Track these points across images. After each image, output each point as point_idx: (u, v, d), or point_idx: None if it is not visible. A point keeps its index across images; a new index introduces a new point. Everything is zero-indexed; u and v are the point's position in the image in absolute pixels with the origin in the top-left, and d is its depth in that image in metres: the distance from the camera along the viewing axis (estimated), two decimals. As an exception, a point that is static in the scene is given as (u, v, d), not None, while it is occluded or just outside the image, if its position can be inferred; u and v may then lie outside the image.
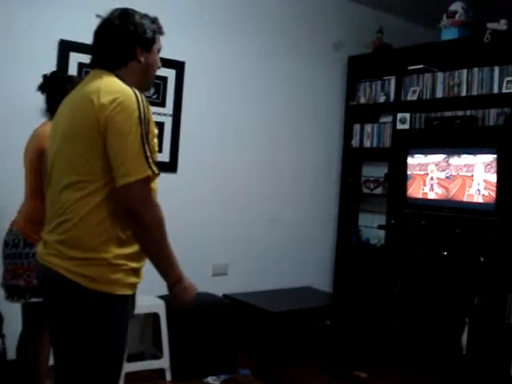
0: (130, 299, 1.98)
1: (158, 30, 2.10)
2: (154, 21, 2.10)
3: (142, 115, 1.83)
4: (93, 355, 1.90)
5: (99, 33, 2.03)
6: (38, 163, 2.89)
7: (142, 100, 1.86)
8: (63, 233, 1.90)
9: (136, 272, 1.97)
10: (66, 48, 3.90)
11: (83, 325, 1.88)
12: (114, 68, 1.99)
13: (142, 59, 2.02)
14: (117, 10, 2.05)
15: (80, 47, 3.91)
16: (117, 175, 1.82)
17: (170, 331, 3.98)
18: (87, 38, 3.81)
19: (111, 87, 1.88)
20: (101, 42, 2.02)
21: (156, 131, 1.95)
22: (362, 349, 4.78)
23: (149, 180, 1.85)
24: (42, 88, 3.04)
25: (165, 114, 4.35)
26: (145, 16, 2.07)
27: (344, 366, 4.47)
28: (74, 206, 1.88)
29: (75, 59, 3.92)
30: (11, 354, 3.30)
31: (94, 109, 1.83)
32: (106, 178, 1.86)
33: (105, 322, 1.90)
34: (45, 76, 3.05)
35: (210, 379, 4.01)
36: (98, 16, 2.07)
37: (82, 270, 1.86)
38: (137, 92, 1.88)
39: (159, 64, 2.14)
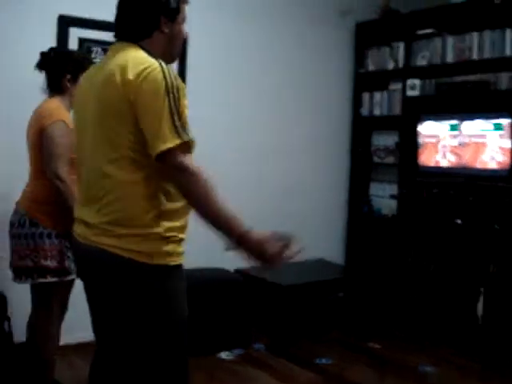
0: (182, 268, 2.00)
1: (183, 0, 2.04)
2: None
3: (170, 85, 1.80)
4: (160, 329, 1.92)
5: (121, 3, 2.00)
6: (40, 142, 2.84)
7: (169, 71, 1.83)
8: (110, 213, 1.89)
9: (183, 242, 1.98)
10: (65, 23, 3.83)
11: (146, 300, 1.89)
12: (137, 39, 1.95)
13: (167, 30, 1.98)
14: None
15: (80, 22, 3.86)
16: (149, 147, 1.81)
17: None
18: (87, 13, 3.84)
19: (137, 60, 1.84)
20: (123, 12, 1.99)
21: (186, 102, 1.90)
22: (375, 320, 4.74)
23: (181, 148, 1.80)
24: (40, 66, 2.98)
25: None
26: None
27: (358, 338, 4.44)
28: (117, 184, 1.87)
29: (75, 34, 3.85)
30: (18, 336, 3.29)
31: (123, 84, 1.81)
32: (144, 152, 1.84)
33: (167, 294, 1.92)
34: (42, 53, 2.98)
35: (223, 354, 3.99)
36: None
37: (136, 246, 1.86)
38: (163, 63, 1.84)
39: (185, 34, 2.09)
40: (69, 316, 3.12)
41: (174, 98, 1.80)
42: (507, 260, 4.14)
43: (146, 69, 1.81)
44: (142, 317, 1.91)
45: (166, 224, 1.89)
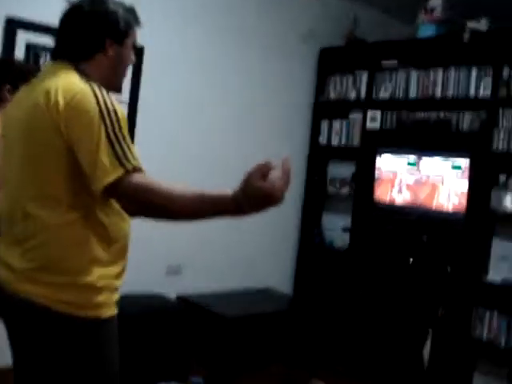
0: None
1: (135, 22, 1.85)
2: (131, 10, 1.85)
3: (105, 110, 1.60)
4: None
5: (65, 19, 1.79)
6: None
7: (103, 94, 1.63)
8: (35, 259, 1.68)
9: (118, 289, 1.80)
10: (12, 26, 3.56)
11: (74, 355, 1.70)
12: (77, 60, 1.76)
13: (111, 53, 1.79)
14: None
15: (29, 26, 3.59)
16: (92, 184, 1.60)
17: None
18: (37, 16, 3.59)
19: (66, 87, 1.64)
20: (66, 29, 1.79)
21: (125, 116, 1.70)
22: (321, 356, 4.57)
23: (128, 176, 1.58)
24: None
25: (120, 102, 4.03)
26: (120, 4, 1.82)
27: (303, 374, 4.27)
28: (42, 227, 1.67)
29: (23, 39, 3.59)
30: None
31: (51, 113, 1.62)
32: (75, 191, 1.66)
33: (97, 348, 1.74)
34: None
35: (158, 388, 3.78)
36: (67, 0, 1.79)
37: (64, 296, 1.67)
38: (95, 87, 1.64)
39: (132, 60, 1.89)
40: None
41: (111, 122, 1.61)
42: (457, 304, 4.05)
43: (75, 96, 1.62)
44: (69, 373, 1.72)
45: (99, 271, 1.70)
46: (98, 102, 1.61)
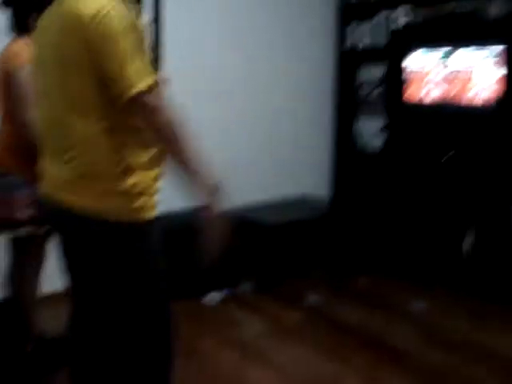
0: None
1: None
2: None
3: (129, 24, 1.70)
4: (136, 286, 1.88)
5: None
6: (7, 87, 2.64)
7: (126, 9, 1.72)
8: (77, 168, 1.79)
9: (157, 192, 1.90)
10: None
11: (120, 259, 1.84)
12: None
13: None
14: None
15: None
16: (120, 89, 1.69)
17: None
18: None
19: (91, 0, 1.70)
20: None
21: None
22: (362, 257, 4.67)
23: (153, 87, 1.72)
24: (5, 2, 2.73)
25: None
26: None
27: (346, 276, 4.38)
28: (81, 136, 1.77)
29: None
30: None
31: (78, 29, 1.69)
32: (106, 102, 1.74)
33: (141, 251, 1.87)
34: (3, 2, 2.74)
35: (210, 296, 3.91)
36: None
37: (107, 203, 1.78)
38: (121, 2, 1.73)
39: None
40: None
41: (135, 36, 1.70)
42: (496, 198, 4.06)
43: (101, 10, 1.67)
44: (118, 275, 1.86)
45: (135, 177, 1.80)
46: (125, 16, 1.69)
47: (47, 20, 1.88)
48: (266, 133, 4.80)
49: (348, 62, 5.14)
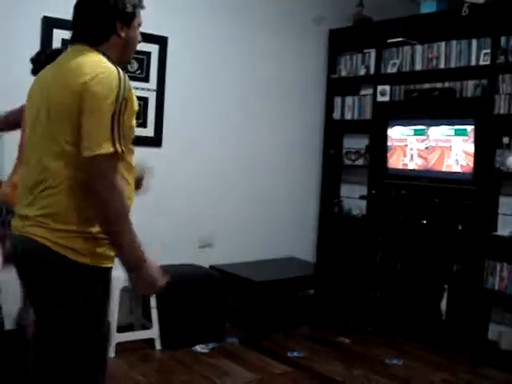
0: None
1: (139, 4, 2.07)
2: None
3: (121, 94, 1.83)
4: (80, 327, 1.91)
5: (78, 7, 2.02)
6: None
7: (125, 79, 1.86)
8: (47, 207, 1.89)
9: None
10: (49, 24, 3.91)
11: (70, 298, 1.89)
12: (95, 43, 1.98)
13: (123, 34, 2.00)
14: None
15: (64, 24, 3.89)
16: (82, 146, 1.81)
17: (158, 302, 4.08)
18: (71, 15, 3.92)
19: (96, 64, 1.88)
20: (80, 16, 2.01)
21: (136, 108, 1.94)
22: (345, 316, 4.93)
23: (112, 158, 1.82)
24: (34, 72, 3.06)
25: (148, 89, 4.40)
26: None
27: (328, 333, 4.61)
28: (56, 178, 1.87)
29: (59, 36, 3.93)
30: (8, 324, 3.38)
31: (78, 84, 1.83)
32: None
33: (93, 295, 1.93)
34: (33, 60, 3.07)
35: (198, 347, 4.13)
36: None
37: (70, 243, 1.86)
38: (120, 71, 1.88)
39: (140, 39, 2.12)
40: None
41: (120, 108, 1.82)
42: (470, 258, 4.36)
43: (103, 72, 1.84)
44: (64, 315, 1.91)
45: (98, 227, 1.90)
46: (119, 85, 1.83)
47: (48, 74, 2.04)
48: (259, 200, 5.13)
49: (334, 131, 5.53)
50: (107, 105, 1.80)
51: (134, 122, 1.96)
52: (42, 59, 3.05)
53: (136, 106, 1.94)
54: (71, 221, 1.87)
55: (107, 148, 1.79)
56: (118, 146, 1.81)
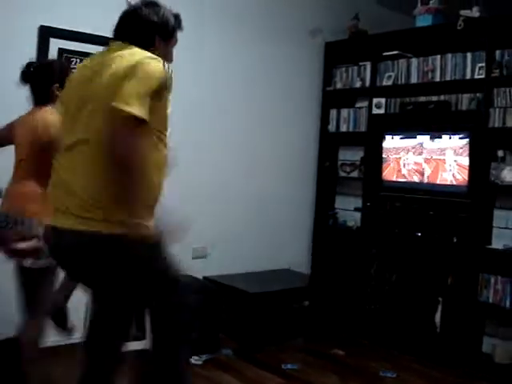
0: None
1: (178, 26, 2.35)
2: (176, 17, 2.36)
3: (163, 80, 2.04)
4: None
5: (125, 18, 2.26)
6: (34, 153, 2.92)
7: (168, 70, 2.10)
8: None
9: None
10: (46, 34, 3.92)
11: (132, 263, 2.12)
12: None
13: (159, 47, 2.26)
14: (145, 0, 2.29)
15: (60, 33, 3.95)
16: (118, 100, 1.95)
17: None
18: (67, 24, 3.94)
19: (145, 53, 2.11)
20: (125, 27, 2.24)
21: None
22: (339, 328, 4.92)
23: (133, 120, 1.95)
24: (23, 80, 3.06)
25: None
26: (169, 10, 2.33)
27: (322, 345, 4.60)
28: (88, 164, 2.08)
29: (56, 45, 3.94)
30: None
31: (131, 64, 2.03)
32: None
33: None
34: (22, 71, 3.07)
35: (192, 359, 4.10)
36: (127, 1, 2.33)
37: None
38: (165, 63, 2.11)
39: (172, 57, 2.36)
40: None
41: (159, 91, 2.03)
42: (464, 271, 4.37)
43: (153, 58, 2.08)
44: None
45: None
46: (164, 72, 2.06)
47: (91, 64, 2.23)
48: (254, 212, 5.14)
49: (330, 143, 5.54)
50: (150, 80, 2.00)
51: (168, 112, 2.15)
52: (32, 70, 3.05)
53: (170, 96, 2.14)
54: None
55: (132, 107, 1.94)
56: (141, 111, 1.96)
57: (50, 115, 2.96)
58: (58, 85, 3.01)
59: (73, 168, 2.12)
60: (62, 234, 2.13)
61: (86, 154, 2.08)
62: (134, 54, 2.08)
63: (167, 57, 2.29)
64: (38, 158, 2.92)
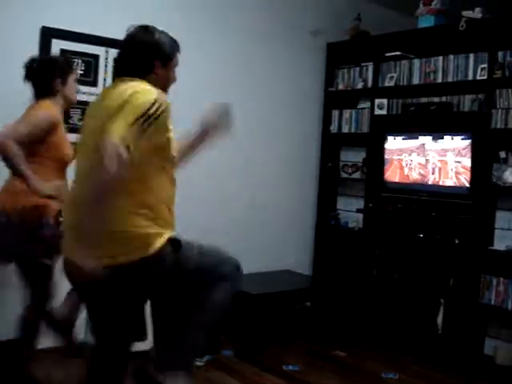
0: None
1: (177, 49, 2.42)
2: (173, 40, 2.41)
3: (153, 111, 2.10)
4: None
5: (124, 45, 2.34)
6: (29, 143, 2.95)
7: (163, 101, 2.15)
8: None
9: None
10: (48, 34, 3.91)
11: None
12: (139, 76, 2.28)
13: (159, 72, 2.32)
14: (140, 26, 2.36)
15: (62, 34, 3.94)
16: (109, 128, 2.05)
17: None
18: (69, 25, 3.94)
19: (140, 84, 2.21)
20: (125, 54, 2.33)
21: (170, 127, 2.25)
22: (340, 329, 4.90)
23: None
24: (27, 77, 3.09)
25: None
26: (165, 34, 2.39)
27: (324, 346, 4.59)
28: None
29: (57, 46, 3.94)
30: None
31: (127, 95, 2.12)
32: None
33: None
34: (26, 66, 3.10)
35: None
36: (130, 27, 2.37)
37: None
38: (161, 94, 2.20)
39: (175, 78, 2.44)
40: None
41: (146, 120, 2.10)
42: (466, 273, 4.36)
43: (145, 89, 2.19)
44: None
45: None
46: (154, 101, 2.12)
47: (94, 109, 2.34)
48: (256, 213, 5.13)
49: (332, 144, 5.54)
50: (138, 109, 2.08)
51: (169, 136, 2.25)
52: (35, 66, 3.08)
53: (170, 126, 2.24)
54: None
55: (116, 137, 2.01)
56: (123, 141, 2.01)
57: (47, 108, 2.99)
58: (60, 80, 3.05)
59: None
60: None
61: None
62: (126, 90, 2.16)
63: (169, 80, 2.40)
64: (29, 149, 2.93)
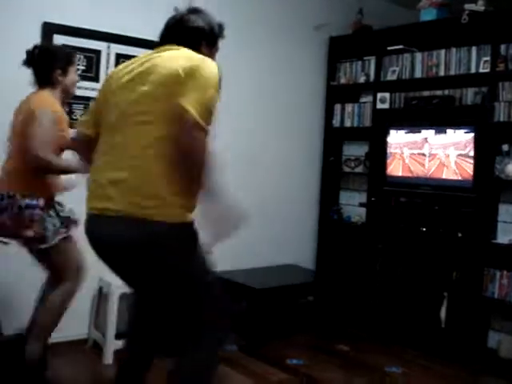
0: None
1: (221, 34, 2.48)
2: (220, 26, 2.48)
3: (218, 78, 2.19)
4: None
5: (172, 25, 2.37)
6: (27, 129, 2.94)
7: (218, 68, 2.22)
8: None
9: None
10: (49, 30, 3.91)
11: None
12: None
13: (204, 51, 2.34)
14: (191, 7, 2.42)
15: (64, 29, 3.94)
16: (184, 106, 2.11)
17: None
18: (71, 21, 3.94)
19: (198, 56, 2.23)
20: (172, 33, 2.36)
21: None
22: (344, 323, 4.92)
23: (195, 121, 2.12)
24: (27, 63, 3.10)
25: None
26: (213, 19, 2.46)
27: (328, 340, 4.60)
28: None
29: (59, 41, 3.93)
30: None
31: (183, 68, 2.13)
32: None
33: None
34: (27, 51, 3.11)
35: (197, 354, 4.11)
36: (174, 9, 2.42)
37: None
38: (216, 63, 2.24)
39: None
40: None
41: (213, 94, 2.18)
42: (469, 266, 4.36)
43: (208, 60, 2.21)
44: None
45: None
46: (217, 80, 2.19)
47: (135, 66, 2.30)
48: (258, 208, 5.04)
49: (334, 138, 5.54)
50: (211, 82, 2.15)
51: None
52: (36, 53, 3.08)
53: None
54: None
55: (193, 111, 2.11)
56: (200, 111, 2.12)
57: (45, 97, 3.00)
58: (60, 71, 3.05)
59: None
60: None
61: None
62: (191, 56, 2.20)
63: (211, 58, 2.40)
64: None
